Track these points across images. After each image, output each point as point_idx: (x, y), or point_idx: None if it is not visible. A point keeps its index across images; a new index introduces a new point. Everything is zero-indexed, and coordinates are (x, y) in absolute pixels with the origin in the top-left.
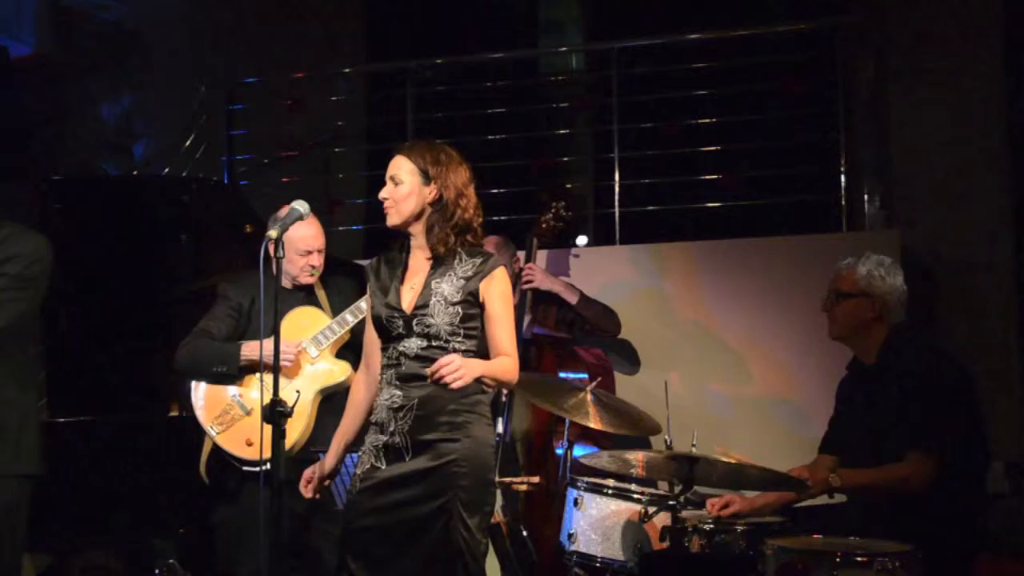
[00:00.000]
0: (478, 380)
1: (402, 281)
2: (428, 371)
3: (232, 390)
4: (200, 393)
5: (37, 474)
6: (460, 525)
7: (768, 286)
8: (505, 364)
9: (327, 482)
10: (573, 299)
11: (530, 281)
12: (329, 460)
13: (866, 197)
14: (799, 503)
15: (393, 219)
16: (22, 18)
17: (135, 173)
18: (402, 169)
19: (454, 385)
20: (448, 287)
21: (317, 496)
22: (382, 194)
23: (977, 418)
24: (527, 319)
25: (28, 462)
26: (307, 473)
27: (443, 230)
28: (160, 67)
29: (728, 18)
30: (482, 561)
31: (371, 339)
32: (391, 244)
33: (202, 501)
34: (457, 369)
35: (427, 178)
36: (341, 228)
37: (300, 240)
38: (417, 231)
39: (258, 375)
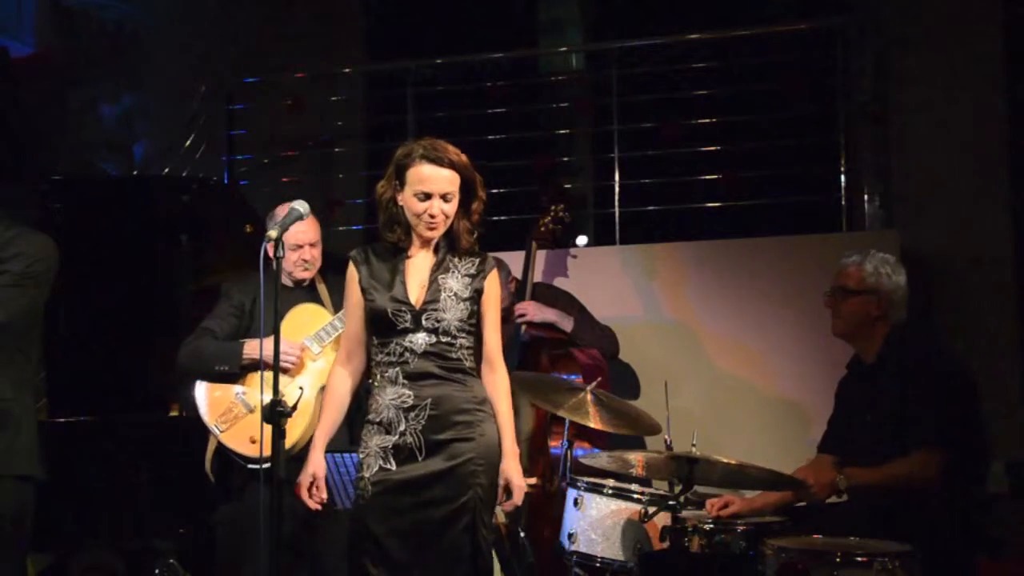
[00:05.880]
0: None
1: (404, 275)
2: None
3: (236, 388)
4: (204, 392)
5: (32, 475)
6: (481, 523)
7: (769, 286)
8: (508, 397)
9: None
10: (568, 327)
11: (523, 315)
12: (318, 461)
13: (866, 197)
14: (800, 503)
15: (439, 231)
16: (22, 18)
17: (135, 173)
18: (454, 185)
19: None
20: (455, 283)
21: (325, 500)
22: (433, 212)
23: (978, 417)
24: (523, 328)
25: (22, 463)
26: (304, 481)
27: (472, 232)
28: (160, 67)
29: (728, 18)
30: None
31: (354, 333)
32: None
33: (202, 501)
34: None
35: (468, 186)
36: (341, 228)
37: (290, 235)
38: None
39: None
